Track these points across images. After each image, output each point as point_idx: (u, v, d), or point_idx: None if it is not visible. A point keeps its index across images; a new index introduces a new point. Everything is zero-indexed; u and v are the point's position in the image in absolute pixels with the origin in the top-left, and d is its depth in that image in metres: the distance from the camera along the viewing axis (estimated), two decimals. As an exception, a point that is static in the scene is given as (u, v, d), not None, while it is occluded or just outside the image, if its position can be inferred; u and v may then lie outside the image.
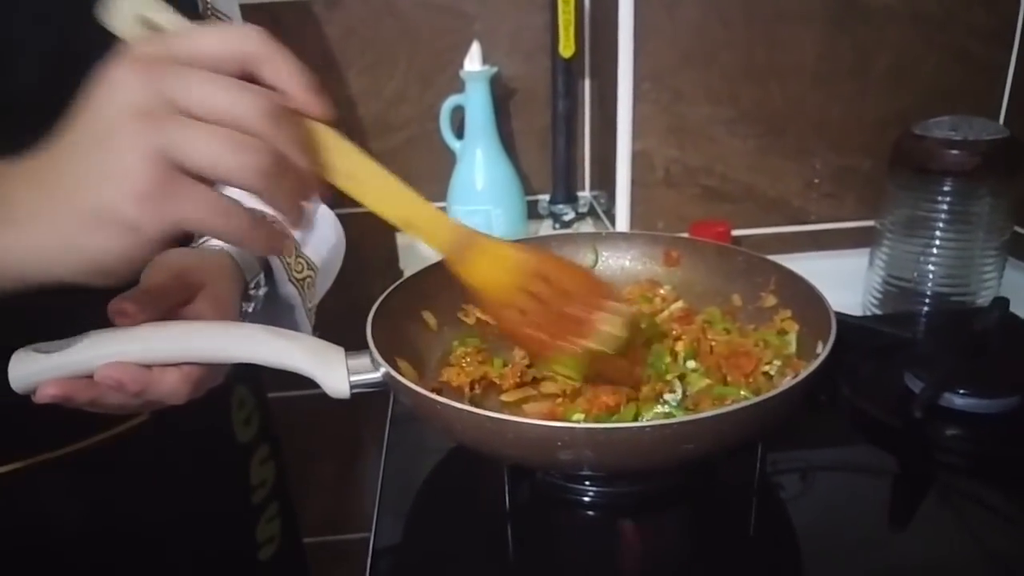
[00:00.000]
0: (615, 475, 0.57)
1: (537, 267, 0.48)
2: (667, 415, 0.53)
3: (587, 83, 1.03)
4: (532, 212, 1.06)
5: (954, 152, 0.75)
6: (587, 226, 1.04)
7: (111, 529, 0.57)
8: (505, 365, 0.61)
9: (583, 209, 1.05)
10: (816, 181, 0.91)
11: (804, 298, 0.61)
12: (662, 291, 0.69)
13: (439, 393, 0.48)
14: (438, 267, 0.66)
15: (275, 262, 0.57)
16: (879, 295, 0.84)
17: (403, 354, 0.57)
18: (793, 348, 0.60)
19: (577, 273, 0.49)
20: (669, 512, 0.58)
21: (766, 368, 0.59)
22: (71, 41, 0.47)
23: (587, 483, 0.57)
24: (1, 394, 0.41)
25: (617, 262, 0.73)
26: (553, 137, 1.03)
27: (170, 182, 0.32)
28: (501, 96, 1.01)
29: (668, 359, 0.60)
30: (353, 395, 0.50)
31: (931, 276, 0.80)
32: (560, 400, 0.56)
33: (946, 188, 0.77)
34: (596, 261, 0.72)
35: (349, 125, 1.02)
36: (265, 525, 0.70)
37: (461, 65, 0.95)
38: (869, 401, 0.66)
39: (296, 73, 0.36)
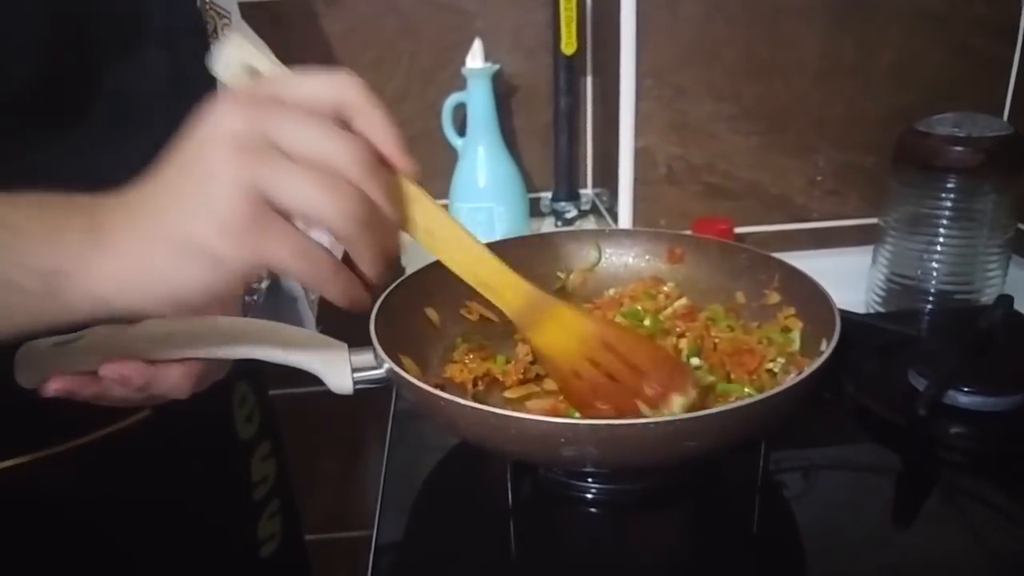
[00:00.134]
0: (618, 472, 0.57)
1: (605, 337, 0.48)
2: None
3: (589, 80, 1.03)
4: (534, 209, 1.06)
5: (958, 149, 0.75)
6: (589, 223, 1.04)
7: (114, 524, 0.57)
8: (508, 362, 0.61)
9: (585, 206, 1.05)
10: (819, 178, 0.91)
11: (808, 295, 0.60)
12: (665, 288, 0.69)
13: (442, 389, 0.48)
14: (441, 264, 0.66)
15: None
16: (882, 293, 0.84)
17: (406, 350, 0.56)
18: (797, 346, 0.60)
19: (645, 346, 0.49)
20: (672, 509, 0.58)
21: (770, 366, 0.59)
22: (70, 37, 0.47)
23: (590, 480, 0.57)
24: (7, 388, 0.41)
25: (620, 259, 0.72)
26: (555, 134, 1.03)
27: (261, 219, 0.32)
28: (503, 93, 1.01)
29: None
30: (356, 392, 0.50)
31: (935, 274, 0.80)
32: (563, 397, 0.56)
33: (950, 185, 0.76)
34: (599, 258, 0.72)
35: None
36: (266, 522, 0.70)
37: (463, 62, 0.95)
38: (873, 399, 0.66)
39: (387, 126, 0.36)
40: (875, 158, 0.89)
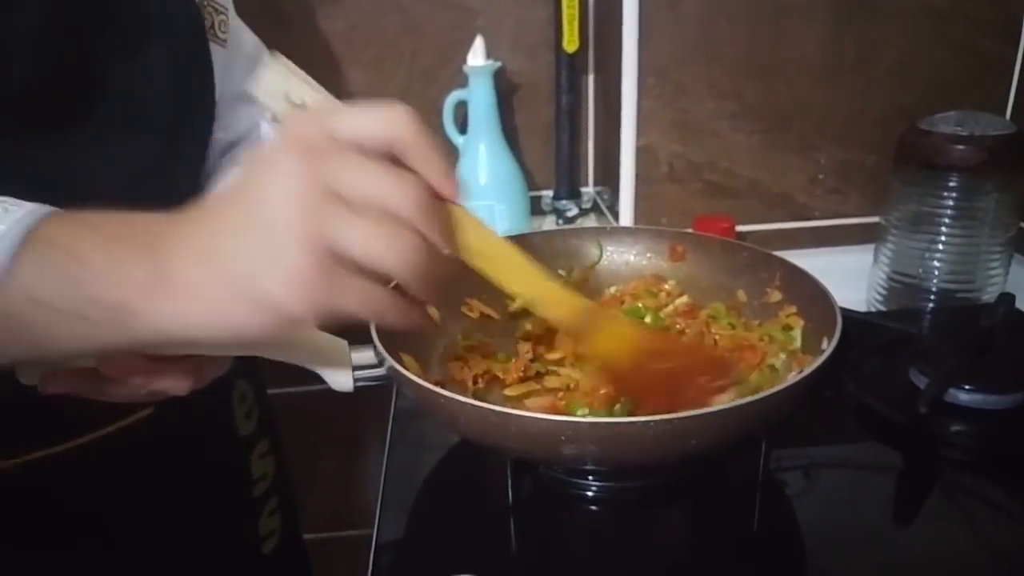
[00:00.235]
0: (618, 470, 0.57)
1: (654, 346, 0.49)
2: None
3: (591, 78, 1.03)
4: (535, 208, 1.06)
5: (960, 147, 0.75)
6: (590, 222, 1.04)
7: (117, 522, 0.57)
8: (508, 359, 0.61)
9: (586, 205, 1.05)
10: (820, 177, 0.91)
11: (809, 294, 0.60)
12: (667, 286, 0.69)
13: (442, 387, 0.48)
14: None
15: None
16: (884, 291, 0.84)
17: (406, 348, 0.57)
18: (798, 343, 0.60)
19: (693, 349, 0.51)
20: (672, 507, 0.58)
21: (772, 361, 0.59)
22: (73, 37, 0.47)
23: (590, 478, 0.57)
24: (10, 387, 0.41)
25: (622, 257, 0.72)
26: (557, 132, 1.03)
27: (327, 273, 0.33)
28: (504, 91, 1.01)
29: None
30: (356, 391, 0.50)
31: (936, 272, 0.80)
32: (562, 395, 0.56)
33: (952, 184, 0.76)
34: (601, 256, 0.72)
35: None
36: (267, 519, 0.71)
37: (464, 60, 0.95)
38: (874, 397, 0.66)
39: (439, 159, 0.37)
40: (877, 156, 0.89)
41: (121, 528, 0.57)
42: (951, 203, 0.77)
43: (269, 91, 0.39)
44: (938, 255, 0.79)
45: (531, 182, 1.06)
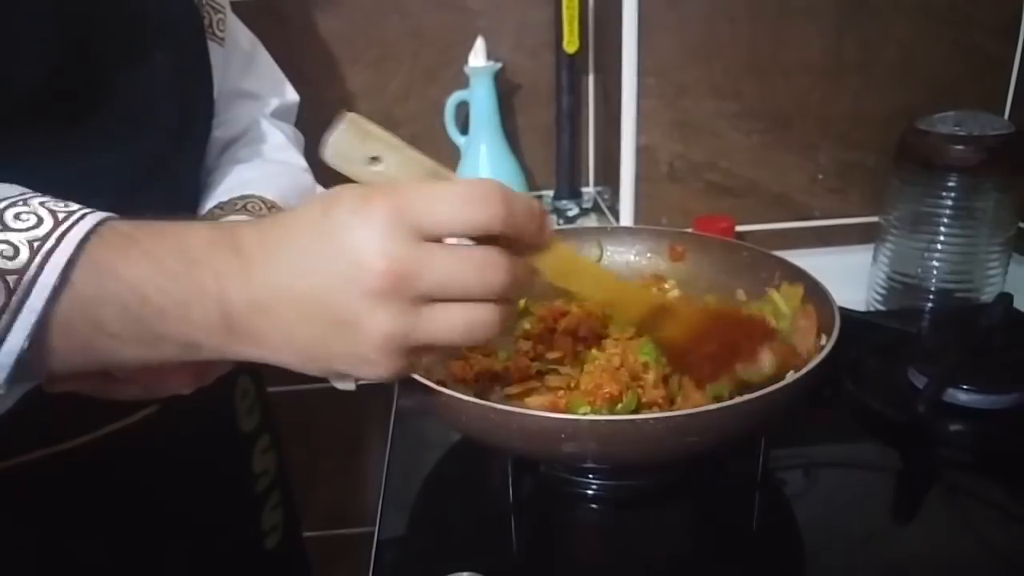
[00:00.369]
0: (618, 468, 0.57)
1: (707, 317, 0.53)
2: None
3: (591, 79, 1.03)
4: (536, 208, 1.06)
5: (959, 147, 0.75)
6: (591, 221, 1.04)
7: (121, 518, 0.57)
8: (509, 358, 0.61)
9: (587, 204, 1.05)
10: (820, 176, 0.91)
11: (808, 293, 0.61)
12: (667, 286, 0.69)
13: (443, 386, 0.49)
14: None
15: None
16: (883, 291, 0.84)
17: (408, 347, 0.57)
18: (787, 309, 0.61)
19: (746, 321, 0.54)
20: (672, 506, 0.58)
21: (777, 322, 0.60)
22: (78, 38, 0.47)
23: (590, 476, 0.57)
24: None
25: (622, 257, 0.73)
26: (557, 133, 1.03)
27: (405, 360, 0.35)
28: (505, 92, 1.02)
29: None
30: (357, 389, 0.50)
31: (935, 272, 0.80)
32: (562, 393, 0.57)
33: (951, 183, 0.76)
34: (601, 256, 0.72)
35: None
36: (269, 513, 0.71)
37: (466, 61, 0.95)
38: (873, 396, 0.66)
39: (531, 220, 0.37)
40: (876, 156, 0.89)
41: (125, 525, 0.57)
42: (950, 203, 0.77)
43: (343, 154, 0.38)
44: (937, 255, 0.79)
45: (532, 182, 1.06)
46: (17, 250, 0.32)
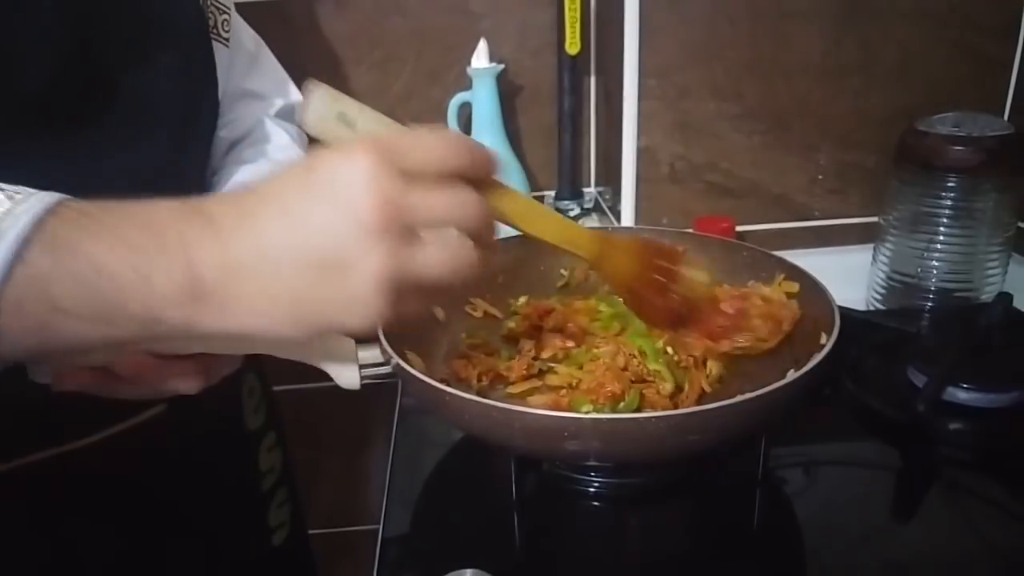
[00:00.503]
0: (621, 466, 0.58)
1: (648, 247, 0.55)
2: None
3: (593, 80, 1.03)
4: (538, 208, 1.06)
5: (958, 148, 0.76)
6: (592, 222, 1.04)
7: (129, 517, 0.58)
8: (512, 358, 0.62)
9: (588, 205, 1.06)
10: (820, 177, 0.92)
11: (808, 293, 0.61)
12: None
13: (447, 385, 0.49)
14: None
15: None
16: (883, 291, 0.85)
17: (412, 346, 0.57)
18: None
19: (668, 248, 0.57)
20: (674, 504, 0.58)
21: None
22: (85, 39, 0.47)
23: (593, 474, 0.58)
24: (24, 385, 0.42)
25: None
26: (559, 133, 1.04)
27: (397, 302, 0.35)
28: (508, 93, 1.02)
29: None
30: (362, 388, 0.51)
31: (935, 272, 0.80)
32: (565, 392, 0.57)
33: (950, 184, 0.77)
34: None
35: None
36: (276, 511, 0.71)
37: (468, 62, 0.96)
38: (873, 395, 0.67)
39: (489, 161, 0.40)
40: (876, 157, 0.90)
41: (132, 523, 0.58)
42: (949, 203, 0.77)
43: (321, 115, 0.39)
44: (937, 255, 0.80)
45: (534, 182, 1.07)
46: None
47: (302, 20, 0.98)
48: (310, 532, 0.81)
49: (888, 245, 0.83)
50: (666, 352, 0.58)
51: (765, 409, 0.48)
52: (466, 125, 1.01)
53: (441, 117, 1.01)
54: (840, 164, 0.91)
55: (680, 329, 0.60)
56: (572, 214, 1.04)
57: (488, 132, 0.97)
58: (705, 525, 0.56)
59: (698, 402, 0.56)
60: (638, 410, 0.54)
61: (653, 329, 0.60)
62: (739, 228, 0.91)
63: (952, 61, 0.87)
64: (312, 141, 0.42)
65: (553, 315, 0.65)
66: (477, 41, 0.95)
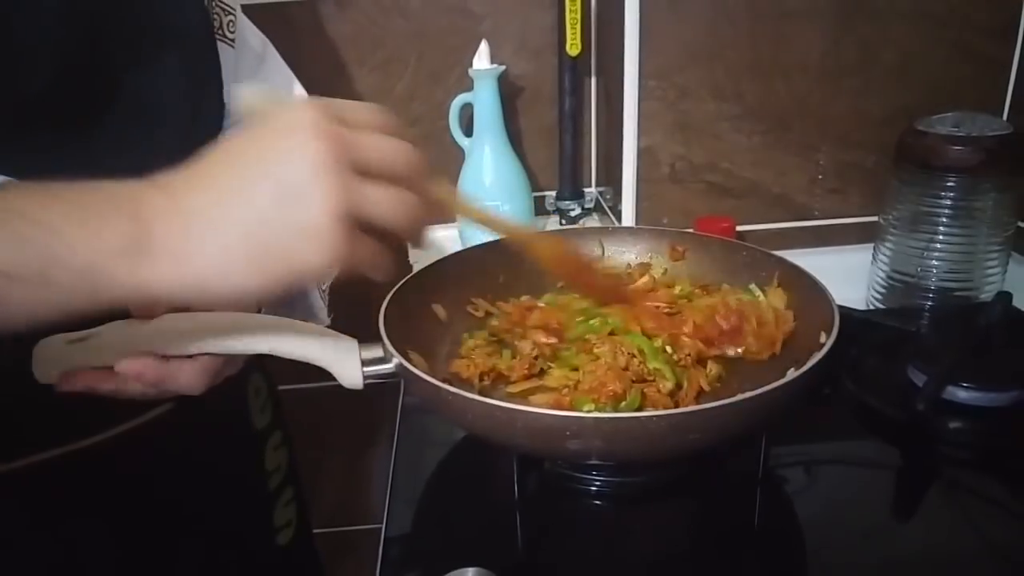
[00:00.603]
0: (622, 465, 0.58)
1: (567, 248, 0.56)
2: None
3: (593, 81, 1.04)
4: (539, 208, 1.07)
5: (958, 148, 0.76)
6: (593, 222, 1.05)
7: (137, 516, 0.58)
8: (514, 357, 0.62)
9: (589, 205, 1.06)
10: (820, 177, 0.92)
11: (808, 292, 0.61)
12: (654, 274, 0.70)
13: (449, 384, 0.49)
14: (447, 261, 0.68)
15: None
16: (883, 290, 0.85)
17: (414, 346, 0.58)
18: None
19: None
20: (674, 502, 0.58)
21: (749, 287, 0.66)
22: (88, 39, 0.48)
23: (594, 473, 0.58)
24: (29, 386, 0.42)
25: (623, 257, 0.73)
26: (560, 134, 1.04)
27: (352, 239, 0.35)
28: (509, 94, 1.02)
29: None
30: (364, 387, 0.51)
31: (935, 271, 0.81)
32: (566, 391, 0.57)
33: (950, 184, 0.77)
34: (603, 255, 0.73)
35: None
36: (282, 509, 0.72)
37: (470, 64, 0.96)
38: (873, 394, 0.67)
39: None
40: (876, 157, 0.90)
41: (138, 523, 0.58)
42: (949, 203, 0.78)
43: (256, 97, 0.40)
44: (936, 254, 0.80)
45: (535, 183, 1.07)
46: None
47: (304, 22, 0.99)
48: (313, 531, 0.81)
49: (888, 245, 0.83)
50: (664, 351, 0.59)
51: (765, 408, 0.49)
52: (468, 126, 1.01)
53: (443, 118, 1.01)
54: (840, 164, 0.91)
55: (617, 303, 0.63)
56: (573, 214, 1.04)
57: (489, 133, 0.98)
58: (706, 524, 0.57)
59: (697, 400, 0.56)
60: (639, 409, 0.54)
61: (639, 326, 0.61)
62: (739, 228, 0.91)
63: (951, 61, 0.87)
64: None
65: (535, 313, 0.65)
66: (478, 43, 0.95)
